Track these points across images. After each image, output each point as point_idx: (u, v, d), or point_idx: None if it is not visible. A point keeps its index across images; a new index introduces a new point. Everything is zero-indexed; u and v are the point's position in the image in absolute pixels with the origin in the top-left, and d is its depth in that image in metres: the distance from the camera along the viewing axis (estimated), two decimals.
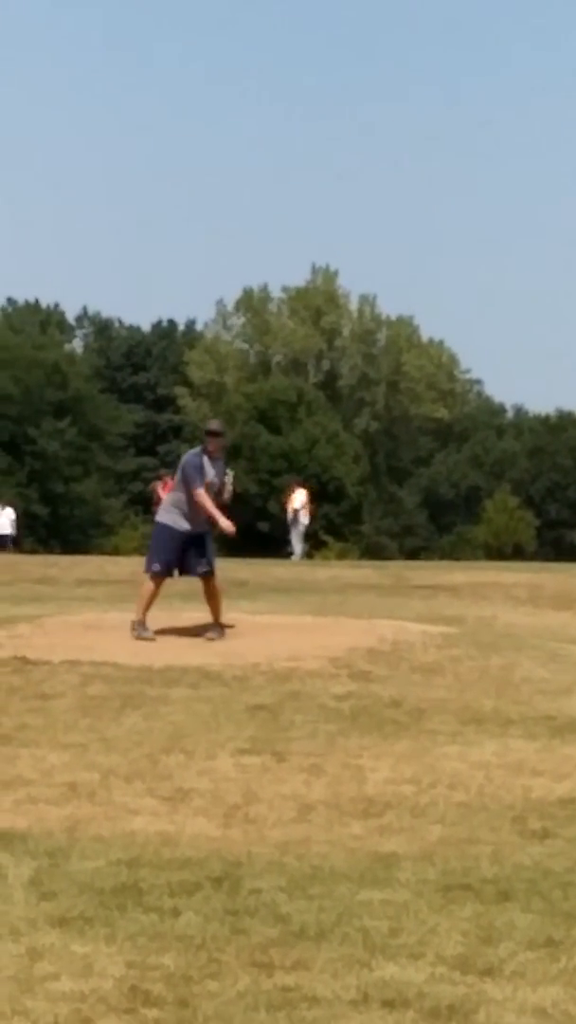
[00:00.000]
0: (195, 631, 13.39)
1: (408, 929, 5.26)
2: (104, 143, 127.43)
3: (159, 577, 13.49)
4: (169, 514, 13.62)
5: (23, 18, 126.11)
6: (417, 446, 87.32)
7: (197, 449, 13.77)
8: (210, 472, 13.42)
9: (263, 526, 58.68)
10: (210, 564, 13.50)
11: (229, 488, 13.64)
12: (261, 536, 55.90)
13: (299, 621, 14.41)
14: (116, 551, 54.17)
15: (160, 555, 13.57)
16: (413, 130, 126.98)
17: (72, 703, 9.83)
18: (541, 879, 5.93)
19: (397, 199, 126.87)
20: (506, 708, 9.95)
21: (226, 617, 14.49)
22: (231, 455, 65.77)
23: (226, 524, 13.32)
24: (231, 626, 13.54)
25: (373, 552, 64.25)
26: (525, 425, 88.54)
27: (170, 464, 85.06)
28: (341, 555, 52.87)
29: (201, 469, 13.41)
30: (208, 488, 13.30)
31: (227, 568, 28.40)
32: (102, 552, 51.42)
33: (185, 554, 13.46)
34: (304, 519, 35.44)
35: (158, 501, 37.09)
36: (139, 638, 12.94)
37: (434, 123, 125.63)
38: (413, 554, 69.63)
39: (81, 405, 69.95)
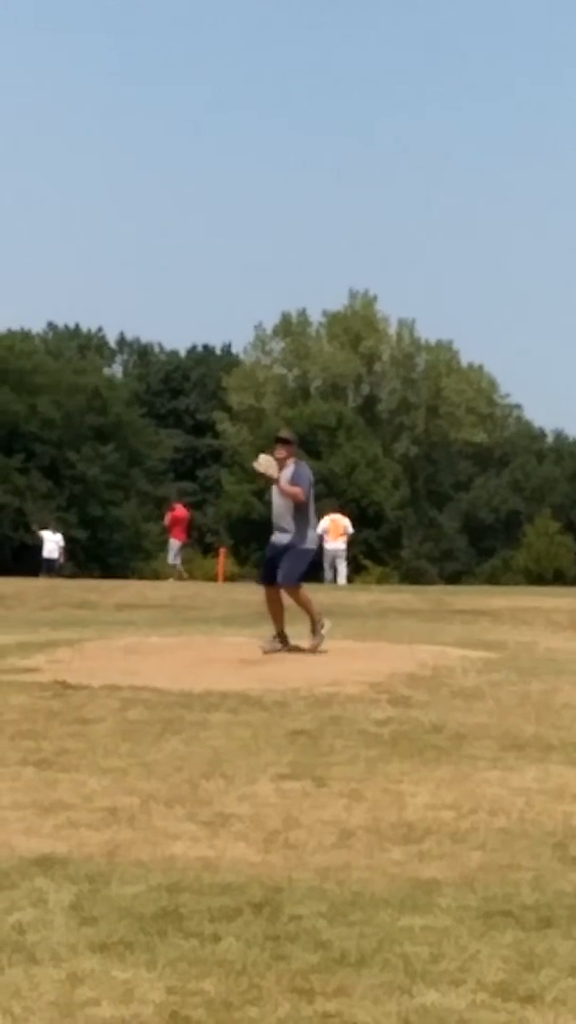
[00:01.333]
0: (238, 655, 13.41)
1: (449, 955, 5.23)
2: (144, 174, 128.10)
3: (262, 585, 14.57)
4: None
5: (58, 64, 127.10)
6: (457, 471, 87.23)
7: None
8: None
9: None
10: (283, 575, 13.99)
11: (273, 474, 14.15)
12: None
13: (339, 646, 14.40)
14: (156, 576, 54.26)
15: (260, 571, 14.87)
16: (452, 153, 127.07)
17: (112, 728, 9.85)
18: None
19: (435, 224, 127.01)
20: (547, 733, 9.91)
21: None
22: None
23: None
24: (299, 648, 13.89)
25: (413, 577, 64.16)
26: (565, 450, 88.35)
27: (209, 488, 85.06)
28: (381, 580, 52.83)
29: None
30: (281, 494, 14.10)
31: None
32: (141, 576, 51.55)
33: (271, 564, 14.23)
34: (327, 544, 34.96)
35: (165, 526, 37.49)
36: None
37: (473, 145, 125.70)
38: (453, 579, 69.49)
39: (121, 430, 70.12)
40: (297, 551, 14.09)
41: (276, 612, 14.18)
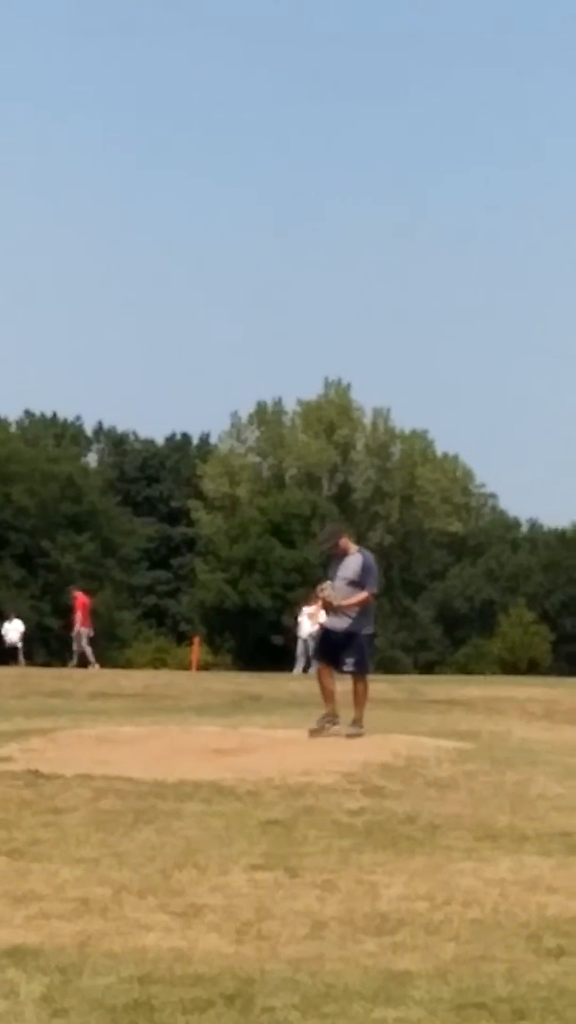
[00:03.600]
0: (212, 744, 13.37)
1: None
2: (122, 263, 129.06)
3: (318, 670, 15.04)
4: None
5: (35, 143, 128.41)
6: (431, 560, 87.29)
7: None
8: (333, 571, 14.47)
9: (277, 639, 58.60)
10: (355, 665, 14.34)
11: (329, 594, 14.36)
12: (275, 649, 55.83)
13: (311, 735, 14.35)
14: (129, 664, 54.07)
15: (316, 651, 15.25)
16: (425, 242, 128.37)
17: (84, 817, 9.80)
18: (556, 998, 5.86)
19: (410, 313, 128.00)
20: (521, 824, 9.89)
21: (240, 732, 14.50)
22: (246, 568, 66.26)
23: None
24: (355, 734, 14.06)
25: (387, 666, 64.05)
26: (540, 539, 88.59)
27: (183, 577, 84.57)
28: None
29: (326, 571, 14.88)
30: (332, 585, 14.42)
31: (241, 682, 28.41)
32: (115, 665, 51.32)
33: (337, 651, 14.39)
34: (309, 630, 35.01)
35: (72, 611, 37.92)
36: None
37: (447, 235, 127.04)
38: (427, 668, 69.43)
39: (96, 518, 70.12)
40: (363, 638, 14.42)
41: (330, 694, 14.44)
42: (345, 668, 14.35)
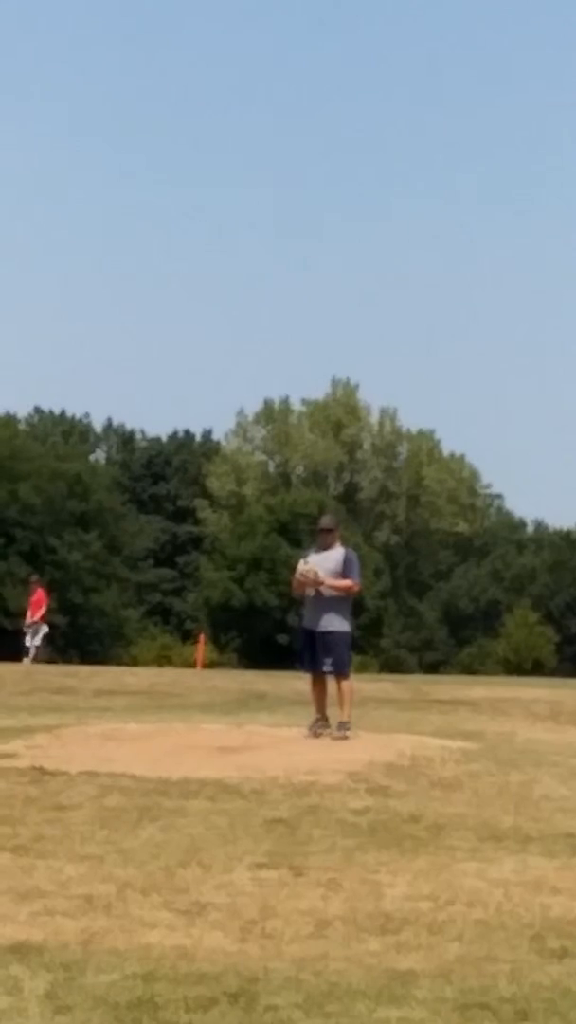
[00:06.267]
0: (216, 742, 13.38)
1: None
2: (132, 262, 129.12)
3: (308, 673, 14.75)
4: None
5: (44, 146, 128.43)
6: (437, 560, 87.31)
7: None
8: (314, 561, 14.46)
9: (282, 639, 58.60)
10: (333, 664, 14.31)
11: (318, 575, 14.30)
12: (280, 648, 55.84)
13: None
14: (135, 662, 54.13)
15: (301, 653, 14.86)
16: (433, 241, 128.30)
17: (89, 814, 9.81)
18: (560, 999, 5.87)
19: (417, 313, 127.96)
20: (525, 825, 9.89)
21: (245, 730, 14.51)
22: (252, 566, 66.31)
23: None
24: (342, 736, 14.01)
25: (392, 666, 64.09)
26: (546, 540, 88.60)
27: (189, 575, 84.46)
28: (360, 669, 52.74)
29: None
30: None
31: (247, 680, 28.41)
32: (120, 663, 51.35)
33: (314, 651, 14.33)
34: None
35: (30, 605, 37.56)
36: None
37: (455, 235, 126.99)
38: (432, 668, 69.45)
39: (103, 516, 70.09)
40: (341, 636, 14.37)
41: (321, 697, 14.54)
42: (324, 668, 14.32)
